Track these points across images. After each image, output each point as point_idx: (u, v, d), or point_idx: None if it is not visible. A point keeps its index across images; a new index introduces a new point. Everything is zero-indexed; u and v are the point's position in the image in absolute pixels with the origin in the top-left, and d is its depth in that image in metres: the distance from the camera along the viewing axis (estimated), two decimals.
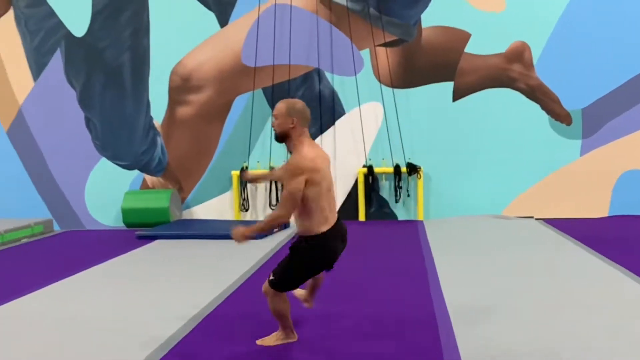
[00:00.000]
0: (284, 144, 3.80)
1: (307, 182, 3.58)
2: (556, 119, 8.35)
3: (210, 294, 5.06)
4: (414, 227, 7.98)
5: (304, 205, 3.63)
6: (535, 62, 8.35)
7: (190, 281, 5.62)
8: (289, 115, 3.68)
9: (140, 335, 4.12)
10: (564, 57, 8.27)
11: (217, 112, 9.14)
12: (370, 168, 8.64)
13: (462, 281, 5.24)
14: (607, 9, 8.20)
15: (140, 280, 5.76)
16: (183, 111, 9.19)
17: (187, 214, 9.24)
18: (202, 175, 9.21)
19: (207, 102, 9.12)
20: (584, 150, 8.34)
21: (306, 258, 3.69)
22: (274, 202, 8.93)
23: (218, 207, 9.20)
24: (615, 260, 5.76)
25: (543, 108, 8.39)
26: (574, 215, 8.30)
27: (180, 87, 9.13)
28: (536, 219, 8.22)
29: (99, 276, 5.96)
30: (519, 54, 8.37)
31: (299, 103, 3.75)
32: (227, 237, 7.38)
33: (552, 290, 4.90)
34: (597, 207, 8.31)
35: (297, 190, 3.57)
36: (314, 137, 8.84)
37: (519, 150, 8.41)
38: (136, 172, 9.20)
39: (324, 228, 3.66)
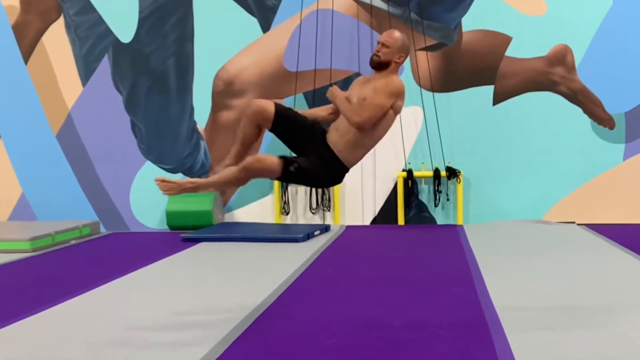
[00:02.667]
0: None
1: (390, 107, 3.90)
2: (599, 123, 8.29)
3: (261, 295, 5.18)
4: (455, 232, 8.01)
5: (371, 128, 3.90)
6: (577, 65, 8.31)
7: (240, 282, 5.76)
8: (400, 50, 3.94)
9: (198, 333, 4.26)
10: (607, 60, 8.21)
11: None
12: (409, 172, 8.69)
13: (509, 286, 5.26)
14: None
15: (192, 281, 5.94)
16: (226, 115, 9.37)
17: (229, 217, 9.41)
18: None
19: None
20: (627, 155, 8.26)
21: (316, 172, 4.04)
22: (314, 205, 9.04)
23: (259, 211, 9.35)
24: None
25: (585, 112, 8.33)
26: (617, 220, 8.22)
27: (223, 92, 9.31)
28: (578, 225, 8.18)
29: (151, 276, 6.15)
30: (561, 57, 8.34)
31: (407, 39, 4.01)
32: (271, 240, 7.65)
33: (603, 296, 4.88)
34: None
35: (385, 109, 3.90)
36: None
37: (561, 154, 8.37)
38: (180, 175, 9.41)
39: (352, 162, 3.99)
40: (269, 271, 6.11)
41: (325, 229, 8.30)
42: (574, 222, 8.27)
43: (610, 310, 4.48)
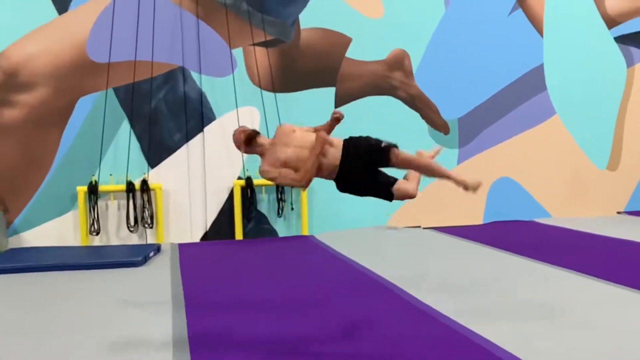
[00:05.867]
0: None
1: None
2: (435, 129, 8.30)
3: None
4: (311, 242, 7.27)
5: None
6: (414, 70, 8.24)
7: (63, 325, 4.24)
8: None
9: None
10: (441, 67, 8.27)
11: (55, 115, 7.51)
12: (248, 180, 7.71)
13: (434, 285, 4.73)
14: (481, 19, 8.36)
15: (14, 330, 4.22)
16: (8, 114, 7.39)
17: (15, 241, 7.36)
18: (35, 192, 7.44)
19: (41, 103, 7.45)
20: (460, 159, 8.40)
21: None
22: (132, 222, 7.49)
23: (57, 232, 7.49)
24: (535, 258, 5.98)
25: (423, 117, 8.28)
26: (452, 223, 8.25)
27: (4, 84, 7.33)
28: (424, 228, 8.04)
29: None
30: (399, 62, 8.19)
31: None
32: (80, 267, 6.00)
33: (484, 278, 5.20)
34: (473, 215, 8.38)
35: None
36: (178, 145, 7.72)
37: None
38: None
39: None
40: (130, 316, 4.55)
41: (157, 249, 6.88)
42: (419, 227, 8.11)
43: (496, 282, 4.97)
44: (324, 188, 7.90)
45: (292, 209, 7.87)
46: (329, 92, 8.04)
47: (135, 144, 7.65)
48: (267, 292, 5.01)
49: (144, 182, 7.51)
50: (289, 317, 4.29)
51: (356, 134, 7.93)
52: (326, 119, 7.98)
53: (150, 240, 7.61)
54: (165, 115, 7.74)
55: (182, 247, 7.29)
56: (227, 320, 4.26)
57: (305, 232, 7.84)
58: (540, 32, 8.53)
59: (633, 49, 8.77)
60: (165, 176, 7.70)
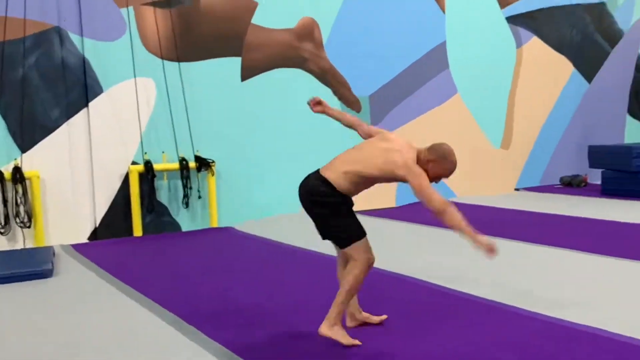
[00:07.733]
0: None
1: None
2: (347, 106, 7.73)
3: None
4: (236, 235, 6.36)
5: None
6: (324, 42, 7.57)
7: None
8: None
9: None
10: (350, 41, 7.70)
11: None
12: (148, 164, 6.50)
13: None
14: None
15: None
16: None
17: None
18: None
19: None
20: None
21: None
22: (1, 220, 5.90)
23: None
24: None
25: (334, 93, 7.66)
26: (364, 207, 7.77)
27: None
28: None
29: None
30: (309, 31, 7.47)
31: None
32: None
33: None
34: (385, 197, 7.99)
35: None
36: (57, 123, 6.34)
37: (315, 140, 7.43)
38: None
39: None
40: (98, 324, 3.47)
41: (53, 253, 5.47)
42: None
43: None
44: (230, 171, 7.03)
45: (200, 197, 6.82)
46: (234, 62, 7.08)
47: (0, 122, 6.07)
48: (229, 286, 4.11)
49: (17, 170, 5.97)
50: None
51: (263, 109, 7.26)
52: (232, 92, 7.15)
53: (28, 243, 6.11)
54: (39, 86, 6.24)
55: (79, 247, 5.92)
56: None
57: (215, 224, 6.85)
58: (443, 9, 8.35)
59: (521, 30, 8.96)
60: (41, 162, 6.21)
